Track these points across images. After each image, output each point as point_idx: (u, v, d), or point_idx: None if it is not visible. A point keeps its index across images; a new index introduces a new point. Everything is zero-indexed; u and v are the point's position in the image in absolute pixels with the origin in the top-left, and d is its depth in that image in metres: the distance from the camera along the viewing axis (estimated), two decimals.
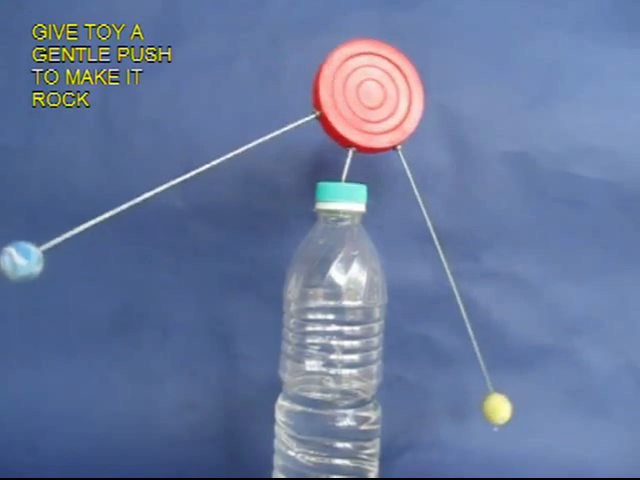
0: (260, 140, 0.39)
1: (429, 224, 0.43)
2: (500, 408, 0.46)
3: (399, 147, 0.43)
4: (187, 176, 0.37)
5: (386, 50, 0.42)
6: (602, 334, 0.58)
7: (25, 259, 0.32)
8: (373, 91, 0.42)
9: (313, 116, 0.40)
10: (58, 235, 0.56)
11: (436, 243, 0.43)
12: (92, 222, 0.36)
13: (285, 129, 0.39)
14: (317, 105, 0.40)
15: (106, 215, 0.36)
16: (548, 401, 0.58)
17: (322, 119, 0.40)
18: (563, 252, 0.57)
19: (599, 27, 0.57)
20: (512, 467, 0.55)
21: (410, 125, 0.43)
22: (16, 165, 0.57)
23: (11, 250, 0.31)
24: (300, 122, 0.40)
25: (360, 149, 0.42)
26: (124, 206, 0.36)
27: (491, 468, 0.55)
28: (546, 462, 0.56)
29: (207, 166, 0.38)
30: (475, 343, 0.45)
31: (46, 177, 0.57)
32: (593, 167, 0.56)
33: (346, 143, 0.41)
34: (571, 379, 0.58)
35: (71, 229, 0.57)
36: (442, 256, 0.43)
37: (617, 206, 0.57)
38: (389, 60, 0.42)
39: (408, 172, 0.43)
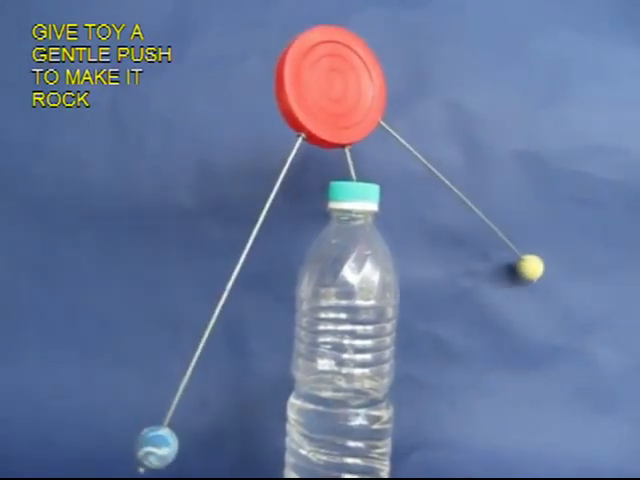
0: (273, 193, 0.40)
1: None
2: (537, 267, 0.54)
3: (380, 120, 0.43)
4: None
5: (326, 33, 0.41)
6: (612, 333, 0.58)
7: (167, 447, 0.32)
8: (336, 81, 0.41)
9: (300, 139, 0.39)
10: (68, 232, 0.57)
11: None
12: None
13: (285, 168, 0.39)
14: (298, 128, 0.39)
15: None
16: (558, 400, 0.58)
17: (310, 138, 0.40)
18: (574, 251, 0.57)
19: (610, 26, 0.57)
20: (521, 466, 0.55)
21: (382, 99, 0.43)
22: (26, 163, 0.57)
23: (150, 449, 0.32)
24: (293, 153, 0.39)
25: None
26: None
27: (500, 467, 0.55)
28: (554, 460, 0.56)
29: None
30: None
31: (57, 175, 0.57)
32: (604, 166, 0.56)
33: (341, 146, 0.41)
34: (581, 378, 0.58)
35: (81, 226, 0.58)
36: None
37: (628, 205, 0.57)
38: (334, 42, 0.41)
39: (395, 133, 0.44)
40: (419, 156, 0.45)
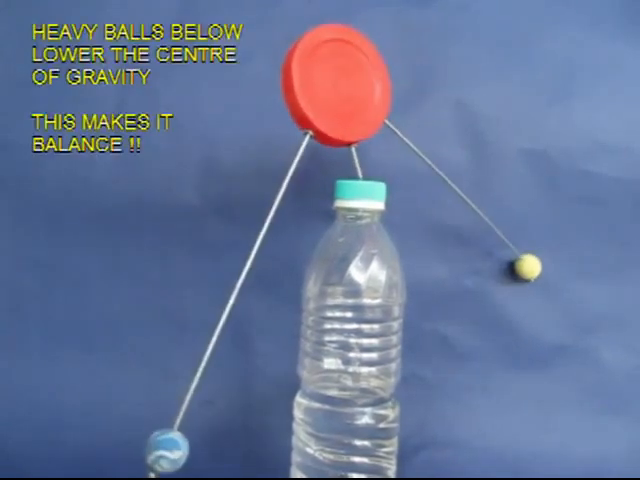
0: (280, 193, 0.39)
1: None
2: (535, 266, 0.55)
3: (386, 120, 0.43)
4: None
5: (332, 31, 0.41)
6: (620, 332, 0.58)
7: (179, 450, 0.31)
8: (342, 80, 0.41)
9: (307, 137, 0.39)
10: (72, 231, 0.57)
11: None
12: None
13: (292, 168, 0.39)
14: (306, 125, 0.39)
15: None
16: (564, 399, 0.58)
17: (317, 136, 0.40)
18: (581, 250, 0.57)
19: (617, 24, 0.57)
20: (527, 466, 0.55)
21: (387, 98, 0.43)
22: (30, 163, 0.57)
23: (161, 452, 0.31)
24: (300, 151, 0.39)
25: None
26: None
27: (506, 467, 0.55)
28: (562, 460, 0.56)
29: None
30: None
31: (61, 174, 0.57)
32: (610, 165, 0.56)
33: (346, 144, 0.41)
34: (588, 377, 0.58)
35: (86, 225, 0.58)
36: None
37: (635, 204, 0.56)
38: (340, 40, 0.41)
39: (399, 132, 0.44)
40: (421, 155, 0.44)
